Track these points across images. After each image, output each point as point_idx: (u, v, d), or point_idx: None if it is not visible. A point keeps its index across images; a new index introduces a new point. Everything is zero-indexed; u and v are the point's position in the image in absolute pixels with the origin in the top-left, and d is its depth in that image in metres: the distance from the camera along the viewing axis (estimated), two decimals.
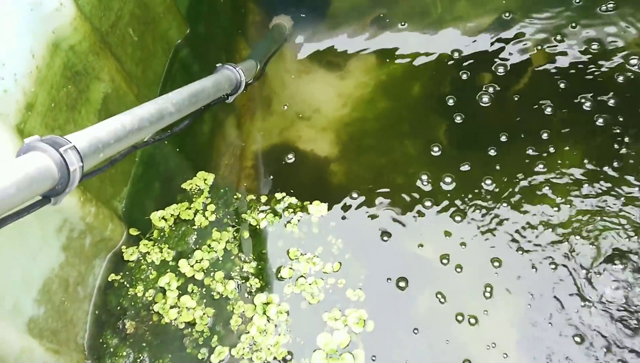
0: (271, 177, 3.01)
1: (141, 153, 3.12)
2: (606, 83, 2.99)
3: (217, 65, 2.78)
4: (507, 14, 3.37)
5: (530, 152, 2.81)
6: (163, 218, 2.87)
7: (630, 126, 2.81)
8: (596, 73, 3.04)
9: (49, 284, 2.39)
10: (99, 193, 2.70)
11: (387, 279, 2.55)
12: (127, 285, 2.70)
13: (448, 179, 2.79)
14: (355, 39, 3.53)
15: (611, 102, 2.90)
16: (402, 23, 3.51)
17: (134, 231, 2.85)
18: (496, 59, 3.19)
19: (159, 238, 2.82)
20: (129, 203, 2.98)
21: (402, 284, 2.53)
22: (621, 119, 2.83)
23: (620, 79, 2.97)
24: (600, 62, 3.06)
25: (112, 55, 2.75)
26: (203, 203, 2.89)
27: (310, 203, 2.81)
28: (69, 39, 2.44)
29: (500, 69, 3.15)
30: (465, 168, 2.83)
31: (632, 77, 2.98)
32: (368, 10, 3.65)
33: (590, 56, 3.09)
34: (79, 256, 2.59)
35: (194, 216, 2.86)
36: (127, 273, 2.74)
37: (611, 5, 3.24)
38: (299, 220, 2.77)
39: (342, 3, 3.79)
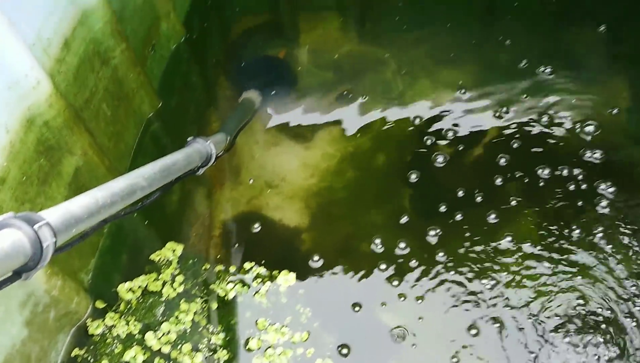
0: (240, 246, 3.06)
1: (109, 225, 3.13)
2: (556, 150, 3.20)
3: (189, 139, 2.87)
4: (462, 90, 3.62)
5: (488, 219, 2.95)
6: (130, 289, 2.86)
7: (581, 192, 3.00)
8: (546, 140, 3.26)
9: (10, 361, 2.33)
10: (65, 266, 2.68)
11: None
12: (92, 360, 2.64)
13: (415, 247, 2.90)
14: (321, 112, 3.72)
15: (565, 171, 3.09)
16: (366, 98, 3.72)
17: (100, 304, 2.82)
18: (454, 131, 3.40)
19: (125, 311, 2.79)
20: (95, 276, 2.95)
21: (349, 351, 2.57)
22: (572, 188, 3.02)
23: (568, 144, 3.19)
24: (549, 130, 3.29)
25: (85, 129, 2.83)
26: (171, 274, 2.91)
27: (279, 273, 2.85)
28: (43, 115, 2.51)
29: (458, 140, 3.35)
30: (430, 233, 2.94)
31: (580, 144, 3.21)
32: (334, 86, 3.87)
33: (538, 124, 3.33)
34: (42, 331, 2.54)
35: (162, 288, 2.86)
36: (92, 347, 2.69)
37: (548, 70, 3.54)
38: (267, 290, 2.80)
39: (309, 80, 4.00)
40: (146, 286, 2.87)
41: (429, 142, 3.37)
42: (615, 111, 3.32)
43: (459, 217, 2.99)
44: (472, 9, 4.30)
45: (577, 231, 2.85)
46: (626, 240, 2.79)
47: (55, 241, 1.65)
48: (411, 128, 3.49)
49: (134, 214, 3.21)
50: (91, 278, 2.93)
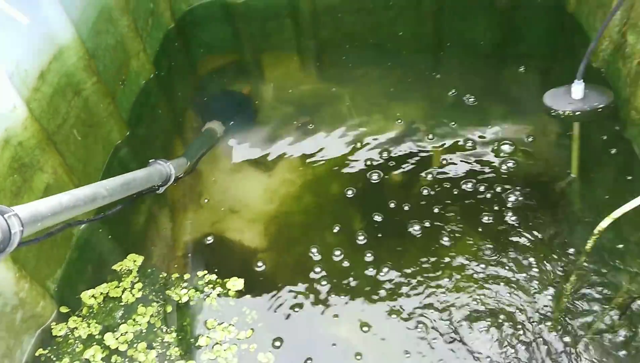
0: (199, 263, 3.34)
1: (77, 238, 3.43)
2: (495, 175, 3.54)
3: (150, 160, 3.22)
4: (413, 123, 3.98)
5: (434, 243, 3.21)
6: (93, 296, 3.14)
7: (499, 208, 3.39)
8: (483, 168, 3.61)
9: None
10: (34, 272, 2.96)
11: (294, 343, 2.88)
12: (54, 359, 2.89)
13: (358, 265, 3.15)
14: (282, 142, 4.03)
15: (498, 190, 3.45)
16: (324, 129, 4.06)
17: (64, 309, 3.09)
18: (404, 159, 3.72)
19: (87, 314, 3.06)
20: (61, 285, 3.22)
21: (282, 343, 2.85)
22: (510, 215, 3.35)
23: (504, 170, 3.57)
24: (490, 158, 3.68)
25: (56, 151, 3.17)
26: (131, 281, 3.19)
27: (229, 279, 3.16)
28: (19, 136, 2.86)
29: (406, 169, 3.66)
30: (368, 255, 3.21)
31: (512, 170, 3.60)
32: (293, 117, 4.22)
33: (466, 149, 3.72)
34: (9, 330, 2.80)
35: (122, 294, 3.14)
36: (55, 347, 2.93)
37: (456, 110, 3.98)
38: (217, 294, 3.10)
39: (272, 113, 4.34)
40: (107, 292, 3.15)
41: (379, 170, 3.67)
42: (530, 139, 3.74)
43: (384, 235, 3.27)
44: (416, 50, 4.77)
45: (492, 247, 3.17)
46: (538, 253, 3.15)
47: (22, 231, 1.96)
48: (364, 156, 3.81)
49: (99, 229, 3.53)
50: (57, 287, 3.20)
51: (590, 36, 4.05)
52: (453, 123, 3.94)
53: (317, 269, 3.18)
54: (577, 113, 3.13)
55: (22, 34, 3.02)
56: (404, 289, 3.03)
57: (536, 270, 3.01)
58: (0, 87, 2.74)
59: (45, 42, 3.20)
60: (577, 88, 3.12)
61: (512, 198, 3.36)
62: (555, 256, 3.04)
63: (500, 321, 2.84)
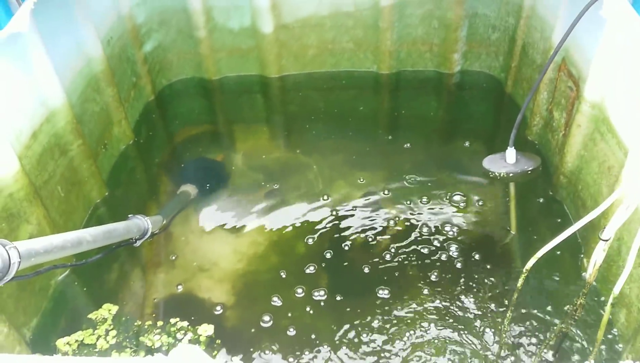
0: (169, 315, 3.53)
1: (53, 289, 3.58)
2: (445, 235, 3.93)
3: (129, 215, 3.48)
4: (372, 188, 4.34)
5: (394, 300, 3.49)
6: (68, 343, 3.27)
7: (452, 265, 3.75)
8: (438, 227, 3.98)
9: None
10: (11, 317, 3.10)
11: None
12: None
13: (322, 325, 3.38)
14: (252, 206, 4.29)
15: (451, 249, 3.83)
16: (291, 195, 4.36)
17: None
18: (365, 222, 4.03)
19: None
20: (36, 334, 3.34)
21: None
22: (458, 261, 3.71)
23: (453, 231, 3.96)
24: (442, 221, 4.07)
25: (42, 204, 3.41)
26: (106, 329, 3.35)
27: (200, 325, 3.35)
28: (10, 188, 3.11)
29: (369, 232, 3.95)
30: (347, 312, 3.45)
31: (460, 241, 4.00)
32: (263, 183, 4.51)
33: (434, 213, 4.11)
34: None
35: (97, 341, 3.28)
36: None
37: (412, 177, 4.42)
38: (188, 340, 3.28)
39: (242, 179, 4.64)
40: (82, 339, 3.29)
41: (342, 233, 3.97)
42: (481, 202, 4.18)
43: (362, 300, 3.52)
44: (376, 125, 5.29)
45: (443, 296, 3.52)
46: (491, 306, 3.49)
47: (19, 262, 2.20)
48: (328, 220, 4.10)
49: (75, 283, 3.70)
50: (32, 335, 3.32)
51: (525, 113, 4.64)
52: (410, 189, 4.33)
53: (284, 323, 3.40)
54: (510, 174, 3.60)
55: (20, 97, 3.36)
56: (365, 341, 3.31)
57: (480, 312, 3.35)
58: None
59: (39, 106, 3.53)
60: (510, 153, 3.62)
61: (458, 254, 3.74)
62: (495, 300, 3.40)
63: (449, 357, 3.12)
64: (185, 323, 3.38)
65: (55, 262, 2.67)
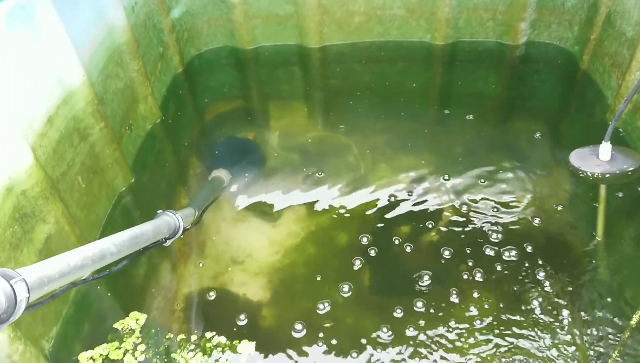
0: (203, 318, 3.14)
1: (75, 293, 3.21)
2: (508, 233, 3.46)
3: (158, 211, 3.05)
4: (420, 174, 3.91)
5: (451, 298, 3.09)
6: (92, 358, 2.90)
7: (525, 272, 3.25)
8: (499, 223, 3.53)
9: None
10: (28, 331, 2.73)
11: None
12: None
13: (369, 325, 3.02)
14: (288, 192, 3.93)
15: (513, 253, 3.34)
16: (331, 180, 3.97)
17: None
18: (412, 212, 3.63)
19: None
20: (56, 344, 2.98)
21: None
22: (518, 268, 3.25)
23: (518, 229, 3.47)
24: (502, 215, 3.58)
25: (60, 199, 2.99)
26: (133, 342, 2.96)
27: (239, 342, 2.94)
28: (22, 184, 2.68)
29: (415, 221, 3.56)
30: (395, 313, 3.07)
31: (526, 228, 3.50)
32: (300, 168, 4.12)
33: (495, 208, 3.62)
34: None
35: (124, 356, 2.90)
36: None
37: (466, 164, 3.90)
38: (227, 359, 2.88)
39: (277, 161, 4.25)
40: (107, 354, 2.91)
41: (387, 222, 3.58)
42: (552, 199, 3.65)
43: (408, 298, 3.13)
44: (426, 102, 4.75)
45: (522, 308, 3.04)
46: (564, 318, 3.01)
47: (28, 297, 1.77)
48: (371, 209, 3.71)
49: (97, 287, 3.32)
50: (52, 347, 2.96)
51: (606, 94, 4.03)
52: (464, 178, 3.84)
53: (333, 331, 2.99)
54: (606, 176, 3.04)
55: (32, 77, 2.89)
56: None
57: (562, 338, 2.85)
58: (6, 133, 2.58)
59: (55, 86, 3.07)
60: (605, 149, 3.04)
61: (528, 257, 3.23)
62: (590, 330, 2.90)
63: None
64: (222, 339, 2.97)
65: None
